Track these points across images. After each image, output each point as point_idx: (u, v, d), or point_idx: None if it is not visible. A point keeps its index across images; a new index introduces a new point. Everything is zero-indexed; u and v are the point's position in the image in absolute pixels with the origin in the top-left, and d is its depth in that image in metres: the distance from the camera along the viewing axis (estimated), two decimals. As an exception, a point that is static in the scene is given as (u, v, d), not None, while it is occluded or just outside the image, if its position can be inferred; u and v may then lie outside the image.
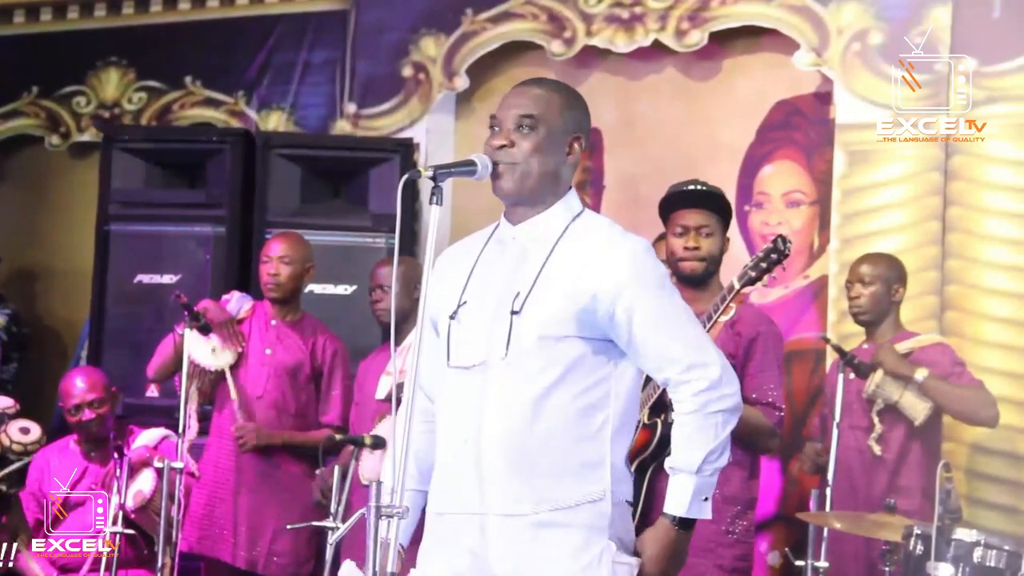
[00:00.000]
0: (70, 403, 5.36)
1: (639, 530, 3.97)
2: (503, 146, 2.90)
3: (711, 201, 4.15)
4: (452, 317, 2.96)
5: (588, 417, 2.88)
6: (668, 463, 2.91)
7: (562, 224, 2.95)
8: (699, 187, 4.20)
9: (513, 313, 2.88)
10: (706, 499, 2.91)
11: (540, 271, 2.91)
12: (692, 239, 4.12)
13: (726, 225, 4.20)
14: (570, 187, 3.01)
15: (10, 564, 5.32)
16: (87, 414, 5.31)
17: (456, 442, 2.91)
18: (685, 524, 2.91)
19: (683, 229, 4.14)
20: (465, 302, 2.96)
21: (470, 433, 2.89)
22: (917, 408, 4.80)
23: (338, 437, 4.83)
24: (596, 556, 2.86)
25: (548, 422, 2.86)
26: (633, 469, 4.01)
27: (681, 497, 2.89)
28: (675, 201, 4.20)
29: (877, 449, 4.83)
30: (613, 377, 2.91)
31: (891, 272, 5.03)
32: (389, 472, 2.81)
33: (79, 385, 5.34)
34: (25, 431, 5.66)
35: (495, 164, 2.90)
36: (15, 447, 5.63)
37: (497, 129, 2.95)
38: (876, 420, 4.84)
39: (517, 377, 2.86)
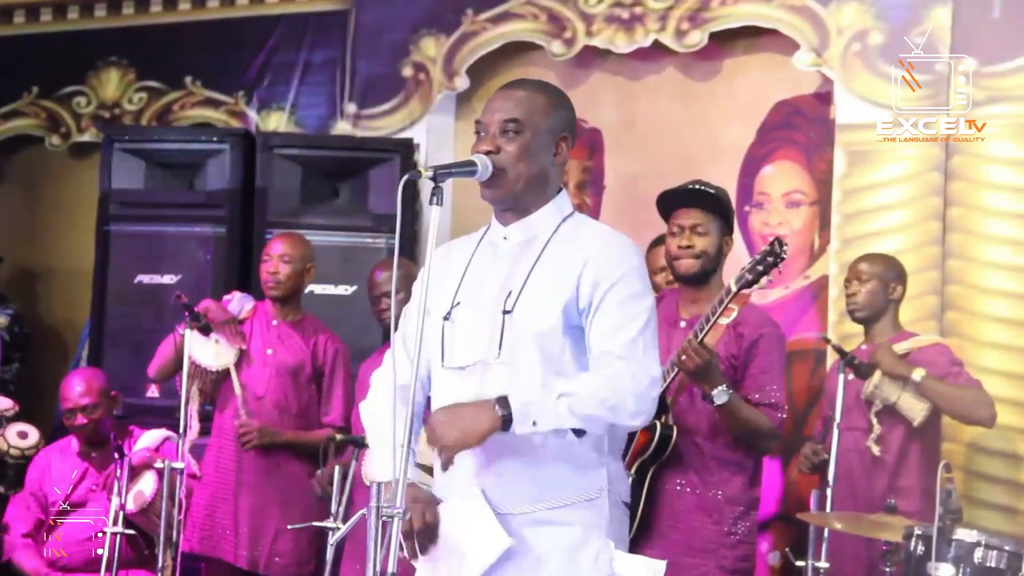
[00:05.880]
0: (65, 406, 5.36)
1: (640, 533, 4.00)
2: (489, 152, 2.90)
3: (704, 200, 4.15)
4: (445, 318, 2.96)
5: None
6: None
7: (552, 225, 2.96)
8: (694, 187, 4.20)
9: (505, 313, 2.89)
10: (535, 424, 2.77)
11: (531, 270, 2.91)
12: (686, 237, 4.13)
13: (726, 225, 4.19)
14: (560, 188, 3.01)
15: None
16: (80, 419, 5.31)
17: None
18: (505, 407, 2.76)
19: (678, 228, 4.16)
20: (458, 303, 2.96)
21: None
22: (915, 409, 4.79)
23: (339, 437, 4.84)
24: (594, 554, 2.87)
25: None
26: (634, 471, 4.03)
27: (527, 396, 2.78)
28: (669, 201, 4.21)
29: (876, 450, 4.83)
30: None
31: (889, 271, 5.02)
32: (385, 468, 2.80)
33: (74, 389, 5.33)
34: (23, 435, 5.67)
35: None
36: (12, 451, 5.63)
37: (483, 134, 2.94)
38: (874, 421, 4.84)
39: (513, 376, 2.86)
